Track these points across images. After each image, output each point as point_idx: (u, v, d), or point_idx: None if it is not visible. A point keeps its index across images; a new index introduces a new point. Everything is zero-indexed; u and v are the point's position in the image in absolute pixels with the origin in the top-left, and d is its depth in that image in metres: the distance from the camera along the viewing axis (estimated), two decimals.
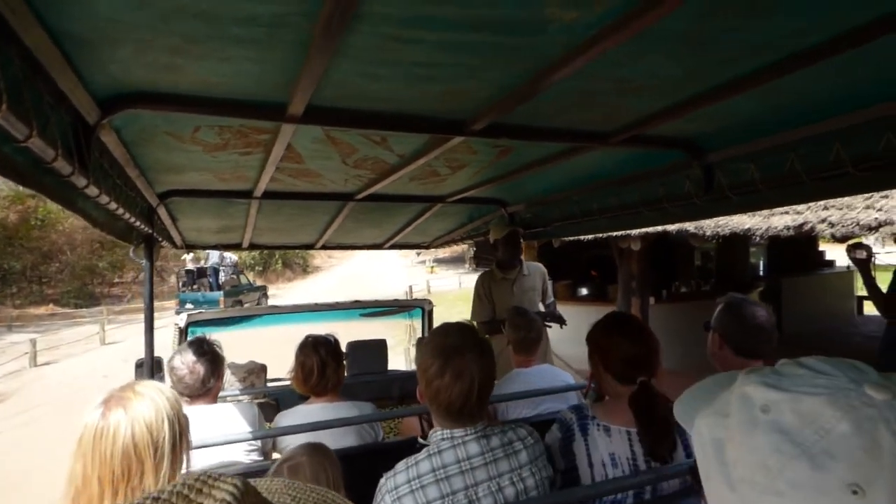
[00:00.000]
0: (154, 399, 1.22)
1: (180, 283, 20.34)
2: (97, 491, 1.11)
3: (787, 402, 0.50)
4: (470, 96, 1.41)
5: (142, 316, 2.88)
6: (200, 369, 2.10)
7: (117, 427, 1.15)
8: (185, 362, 2.10)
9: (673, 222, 2.95)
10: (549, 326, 3.63)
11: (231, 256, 21.29)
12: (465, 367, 1.33)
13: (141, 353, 2.85)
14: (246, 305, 19.79)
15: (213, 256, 20.56)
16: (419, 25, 0.99)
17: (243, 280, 22.69)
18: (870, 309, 11.12)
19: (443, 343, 1.39)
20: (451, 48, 1.09)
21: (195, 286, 19.95)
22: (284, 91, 1.29)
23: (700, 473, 0.57)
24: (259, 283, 26.04)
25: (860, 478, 0.45)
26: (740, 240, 7.47)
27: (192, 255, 20.63)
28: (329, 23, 0.92)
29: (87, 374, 11.59)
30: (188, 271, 20.35)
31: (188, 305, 18.42)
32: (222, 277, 20.41)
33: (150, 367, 2.74)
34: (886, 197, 4.46)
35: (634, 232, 6.63)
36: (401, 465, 1.37)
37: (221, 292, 19.43)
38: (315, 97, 1.31)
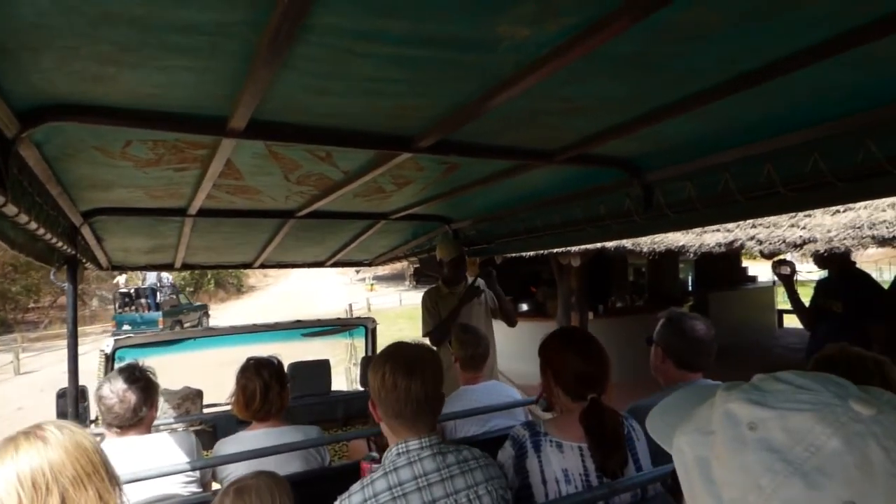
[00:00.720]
0: (62, 433, 1.14)
1: (117, 305, 19.90)
2: None
3: (775, 420, 0.50)
4: (419, 112, 1.39)
5: (60, 343, 2.71)
6: (131, 398, 1.97)
7: None
8: (115, 390, 1.97)
9: (614, 239, 3.04)
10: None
11: (168, 277, 20.94)
12: (418, 363, 1.40)
13: (59, 381, 2.65)
14: (187, 325, 19.79)
15: (151, 277, 20.10)
16: (371, 39, 0.97)
17: (182, 300, 22.39)
18: (790, 322, 11.84)
19: (395, 347, 1.47)
20: (402, 63, 1.08)
21: (132, 307, 19.51)
22: (226, 104, 1.24)
23: (684, 493, 0.56)
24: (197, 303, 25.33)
25: (855, 495, 0.45)
26: (670, 256, 7.80)
27: (125, 277, 20.08)
28: (277, 33, 0.88)
29: (1, 407, 10.75)
30: (123, 293, 19.91)
31: (126, 327, 18.09)
32: (160, 298, 19.99)
33: (74, 397, 2.55)
34: (809, 216, 4.75)
35: (575, 248, 6.79)
36: (356, 486, 1.34)
37: (160, 313, 19.04)
38: (258, 111, 1.26)
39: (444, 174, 2.12)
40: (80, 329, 2.68)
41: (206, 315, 23.47)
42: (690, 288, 11.95)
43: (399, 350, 1.45)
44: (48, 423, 1.17)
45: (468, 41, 0.99)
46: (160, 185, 1.99)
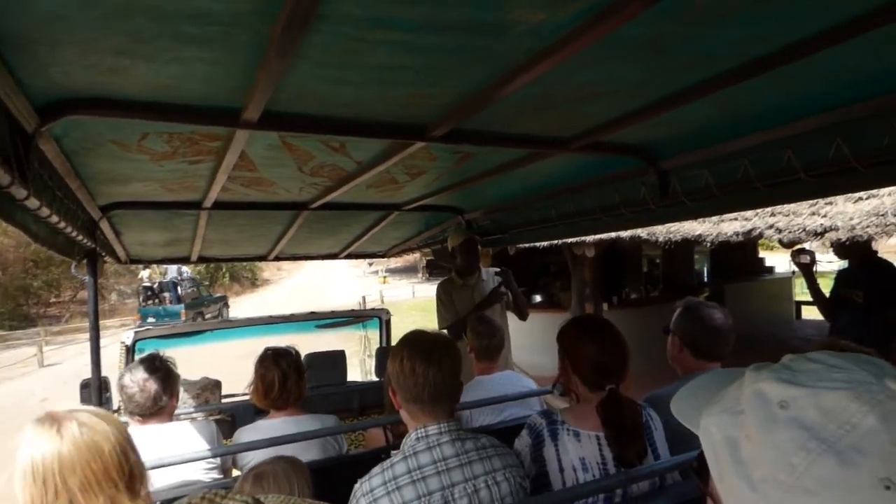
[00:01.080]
0: (80, 432, 1.12)
1: (141, 299, 20.78)
2: None
3: (807, 398, 0.49)
4: (432, 100, 1.39)
5: (81, 336, 2.77)
6: (152, 387, 2.02)
7: (46, 466, 1.07)
8: (136, 380, 2.02)
9: (629, 228, 3.01)
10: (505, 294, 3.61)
11: (188, 270, 21.72)
12: (435, 350, 1.41)
13: (82, 373, 2.71)
14: (208, 316, 20.81)
15: (172, 271, 20.91)
16: (383, 26, 0.96)
17: (203, 292, 23.30)
18: (808, 313, 11.67)
19: (413, 335, 1.50)
20: (414, 50, 1.07)
21: (155, 301, 20.35)
22: (239, 95, 1.24)
23: (712, 474, 0.55)
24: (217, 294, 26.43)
25: (892, 472, 0.44)
26: (686, 246, 7.71)
27: (148, 271, 20.97)
28: (290, 23, 0.88)
29: (26, 398, 11.03)
30: (146, 287, 20.75)
31: (150, 319, 18.93)
32: (181, 291, 20.79)
33: (98, 388, 2.60)
34: (831, 203, 4.64)
35: (589, 238, 6.74)
36: (376, 469, 1.37)
37: (182, 305, 19.85)
38: (272, 101, 1.26)
39: (458, 163, 2.12)
40: (101, 322, 2.73)
41: (226, 306, 24.40)
42: (706, 279, 11.83)
43: (417, 337, 1.47)
44: (81, 412, 1.16)
45: (481, 27, 0.99)
46: (175, 178, 2.01)
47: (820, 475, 0.46)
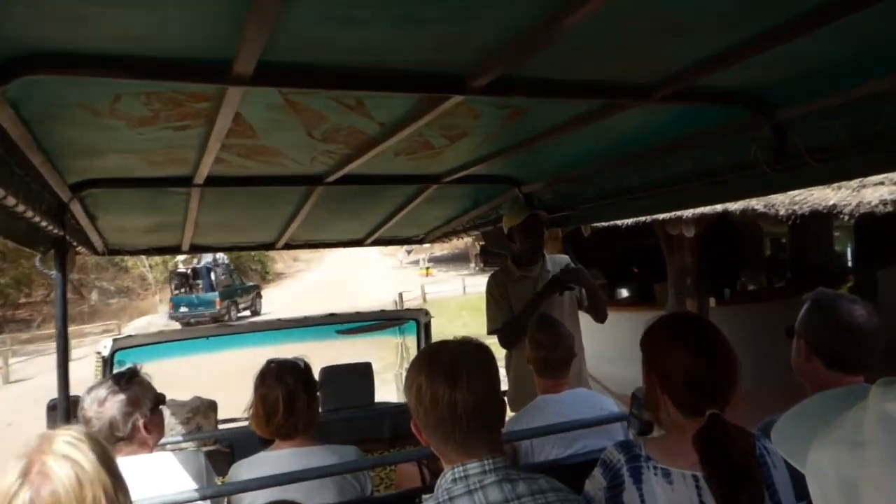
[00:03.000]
0: (66, 474, 1.14)
1: (173, 286, 23.51)
2: None
3: None
4: (470, 43, 1.39)
5: (55, 345, 2.85)
6: (109, 412, 2.03)
7: None
8: (93, 402, 2.04)
9: (738, 199, 2.95)
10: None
11: (223, 256, 24.43)
12: (462, 365, 1.37)
13: (54, 391, 2.82)
14: (241, 307, 23.99)
15: (207, 257, 23.29)
16: None
17: (235, 280, 26.00)
18: None
19: (431, 350, 1.49)
20: None
21: (188, 289, 23.06)
22: (229, 44, 1.27)
23: None
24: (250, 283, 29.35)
25: None
26: (822, 221, 7.43)
27: (183, 256, 23.74)
28: None
29: None
30: (180, 273, 23.50)
31: (183, 309, 21.68)
32: (214, 278, 23.31)
33: (66, 410, 2.70)
34: None
35: (687, 214, 6.62)
36: None
37: (216, 293, 22.42)
38: (268, 50, 1.29)
39: (507, 122, 2.12)
40: (78, 328, 2.86)
41: (259, 296, 27.06)
42: (850, 263, 11.43)
43: (436, 353, 1.43)
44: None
45: None
46: (159, 147, 2.08)
47: None
